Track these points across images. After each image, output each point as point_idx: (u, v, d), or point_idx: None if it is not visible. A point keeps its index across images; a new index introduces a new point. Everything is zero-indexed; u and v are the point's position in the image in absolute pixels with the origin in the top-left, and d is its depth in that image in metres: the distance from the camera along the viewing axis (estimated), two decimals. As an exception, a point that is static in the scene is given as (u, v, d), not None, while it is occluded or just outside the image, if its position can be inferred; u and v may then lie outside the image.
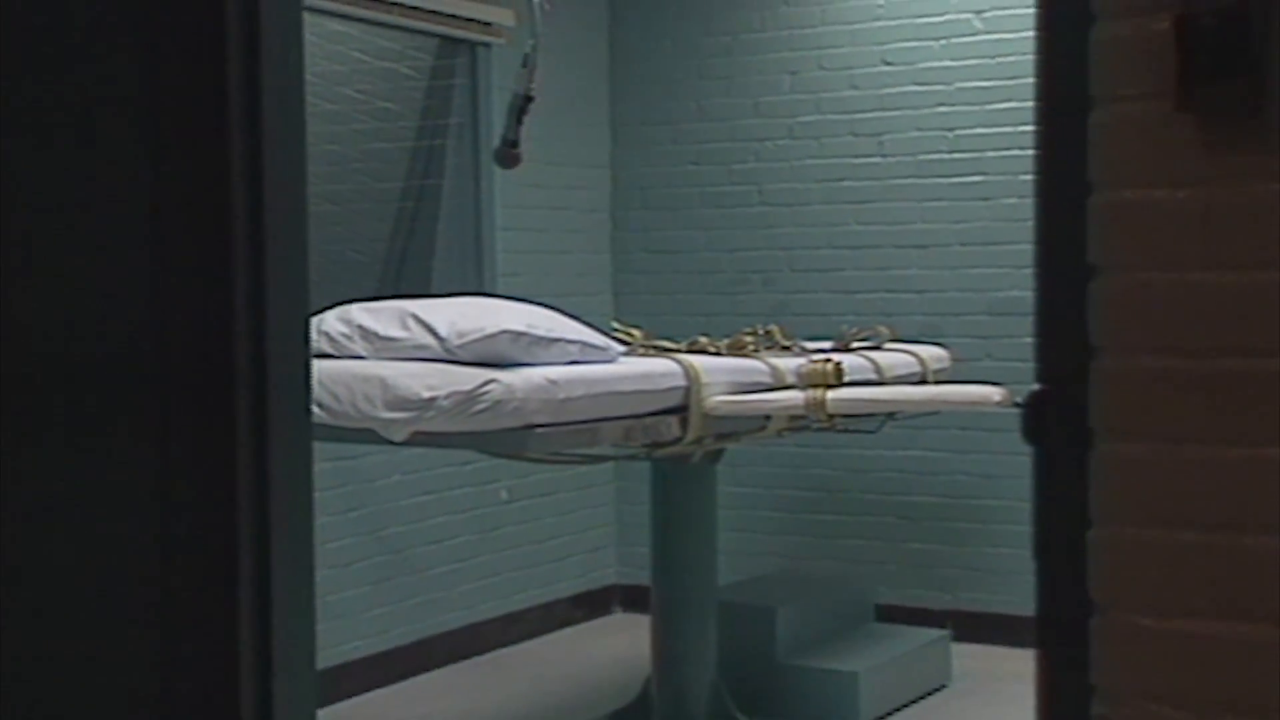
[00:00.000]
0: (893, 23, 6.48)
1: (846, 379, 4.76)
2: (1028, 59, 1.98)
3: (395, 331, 4.24)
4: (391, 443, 4.12)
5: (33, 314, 2.24)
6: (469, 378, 3.98)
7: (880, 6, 6.50)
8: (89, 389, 2.23)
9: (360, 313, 4.36)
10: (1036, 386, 1.91)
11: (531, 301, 4.61)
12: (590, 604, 6.92)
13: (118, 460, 2.22)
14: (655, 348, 4.87)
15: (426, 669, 6.00)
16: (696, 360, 4.58)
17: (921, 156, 6.45)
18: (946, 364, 5.57)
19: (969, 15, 6.33)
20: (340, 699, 5.46)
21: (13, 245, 2.24)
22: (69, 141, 2.22)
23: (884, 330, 5.59)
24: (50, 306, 2.24)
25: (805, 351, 5.07)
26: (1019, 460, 2.02)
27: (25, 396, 2.24)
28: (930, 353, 5.52)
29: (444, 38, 6.27)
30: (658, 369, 4.47)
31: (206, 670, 2.16)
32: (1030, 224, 1.94)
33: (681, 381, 4.45)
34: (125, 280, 2.20)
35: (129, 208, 2.20)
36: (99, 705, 2.25)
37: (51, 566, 2.25)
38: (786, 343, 5.21)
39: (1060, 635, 1.89)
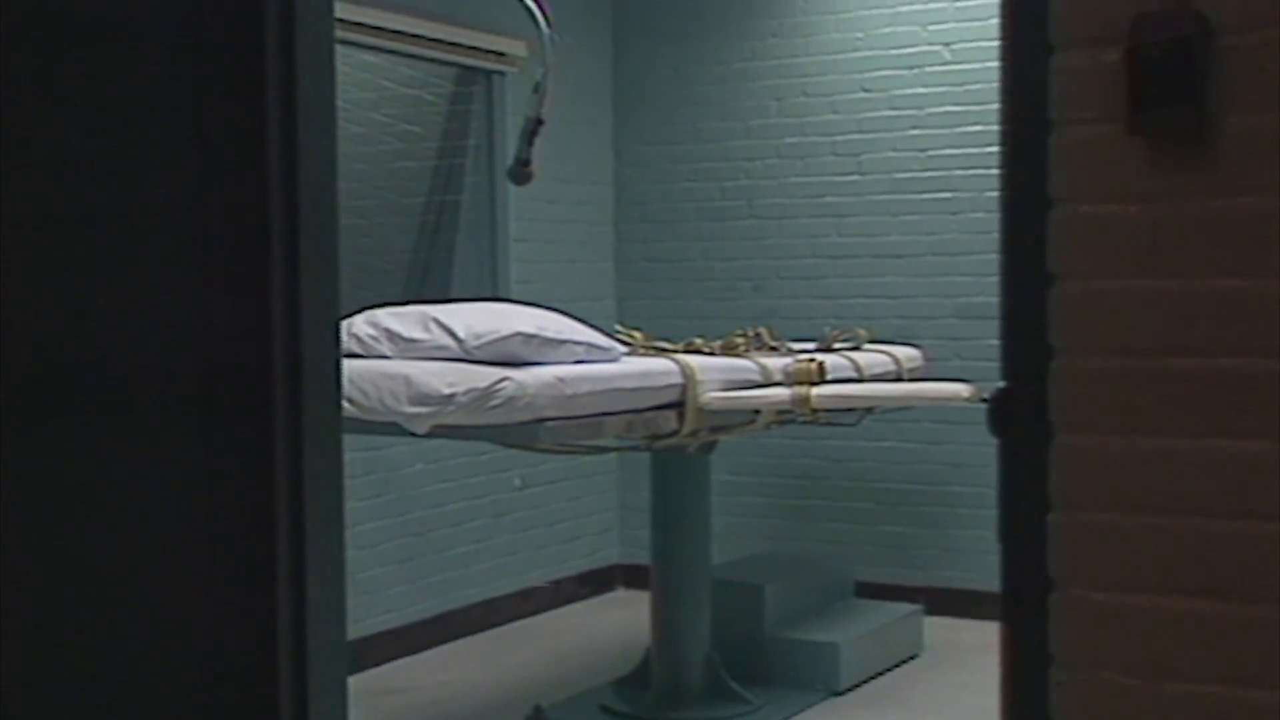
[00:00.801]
0: (870, 53, 6.48)
1: (829, 377, 4.76)
2: (993, 86, 1.98)
3: (418, 333, 4.24)
4: (414, 435, 4.13)
5: (94, 318, 2.25)
6: (485, 376, 3.99)
7: (859, 39, 6.50)
8: (143, 386, 2.23)
9: (386, 316, 4.37)
10: (1001, 383, 1.91)
11: (542, 306, 4.61)
12: (595, 581, 6.92)
13: (167, 450, 2.23)
14: (654, 348, 4.88)
15: (447, 640, 6.01)
16: (692, 360, 4.59)
17: (896, 174, 6.45)
18: (919, 363, 5.57)
19: (939, 47, 6.33)
20: (369, 667, 5.47)
21: (75, 257, 2.25)
22: (128, 165, 2.23)
23: (863, 332, 5.59)
24: (109, 312, 2.25)
25: (791, 352, 5.08)
26: (985, 450, 2.03)
27: (84, 392, 2.25)
28: (905, 353, 5.53)
29: (463, 67, 6.27)
30: (657, 368, 4.47)
31: (246, 640, 2.17)
32: (995, 236, 1.95)
33: (678, 379, 4.45)
34: (174, 288, 2.21)
35: (178, 222, 2.20)
36: (147, 665, 2.26)
37: (107, 548, 2.25)
38: (774, 344, 5.22)
39: (1022, 609, 1.89)
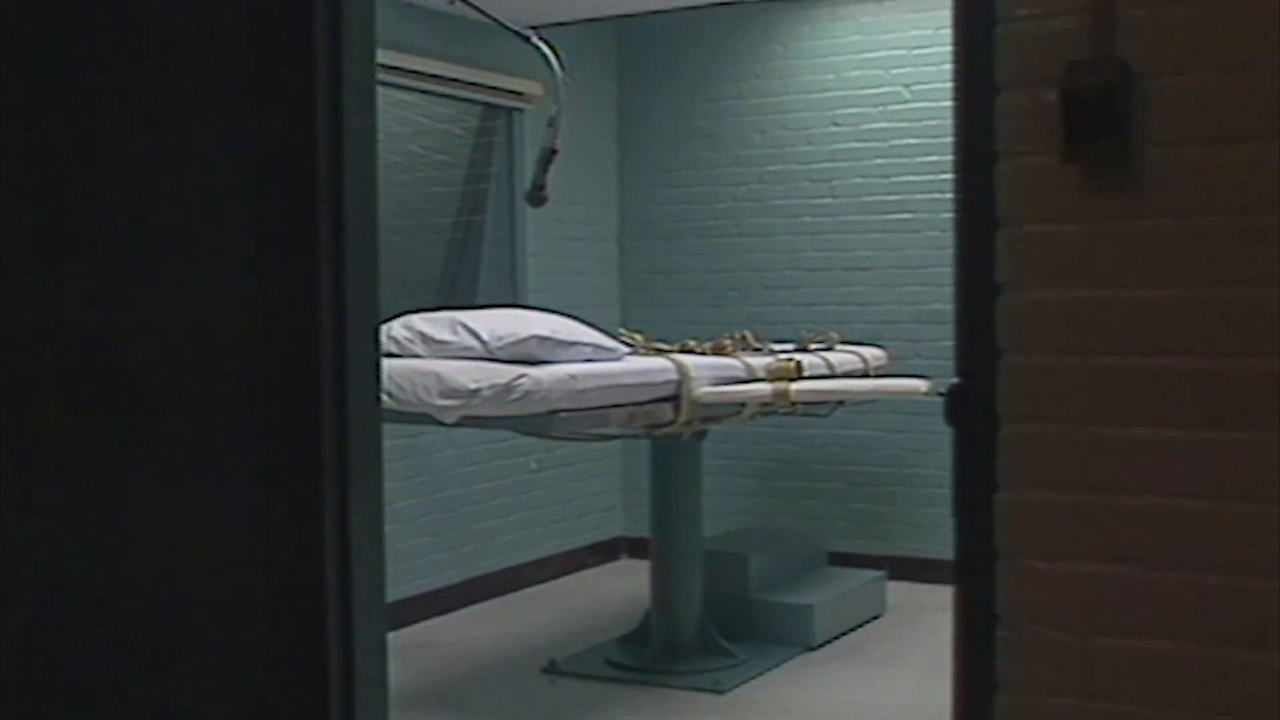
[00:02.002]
0: (840, 93, 6.48)
1: (805, 374, 4.77)
2: (947, 122, 1.98)
3: (447, 336, 4.24)
4: (444, 424, 4.13)
5: (164, 321, 2.26)
6: (505, 373, 3.99)
7: (830, 80, 6.50)
8: (207, 382, 2.24)
9: (420, 321, 4.37)
10: (955, 379, 1.92)
11: (555, 312, 4.61)
12: (602, 552, 6.92)
13: (227, 438, 2.23)
14: (653, 349, 4.88)
15: (473, 602, 6.01)
16: (686, 359, 4.59)
17: (864, 198, 6.45)
18: (884, 361, 5.57)
19: (900, 88, 6.33)
20: (405, 625, 5.47)
21: (152, 267, 2.26)
22: (193, 192, 2.24)
23: (835, 335, 5.60)
24: (177, 315, 2.25)
25: (773, 352, 5.08)
26: (941, 438, 2.03)
27: (154, 386, 2.25)
28: (871, 352, 5.53)
29: (487, 105, 6.28)
30: (655, 366, 4.47)
31: (299, 604, 2.17)
32: (950, 251, 1.95)
33: (674, 376, 4.45)
34: (236, 296, 2.21)
35: (241, 239, 2.21)
36: (209, 627, 2.26)
37: (171, 528, 2.26)
38: (758, 345, 5.21)
39: (973, 575, 1.90)
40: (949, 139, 1.99)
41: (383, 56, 2.28)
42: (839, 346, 5.45)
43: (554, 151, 4.60)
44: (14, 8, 2.20)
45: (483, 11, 4.77)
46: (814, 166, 6.57)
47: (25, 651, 2.27)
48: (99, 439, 2.27)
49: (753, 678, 4.81)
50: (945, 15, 1.98)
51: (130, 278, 2.26)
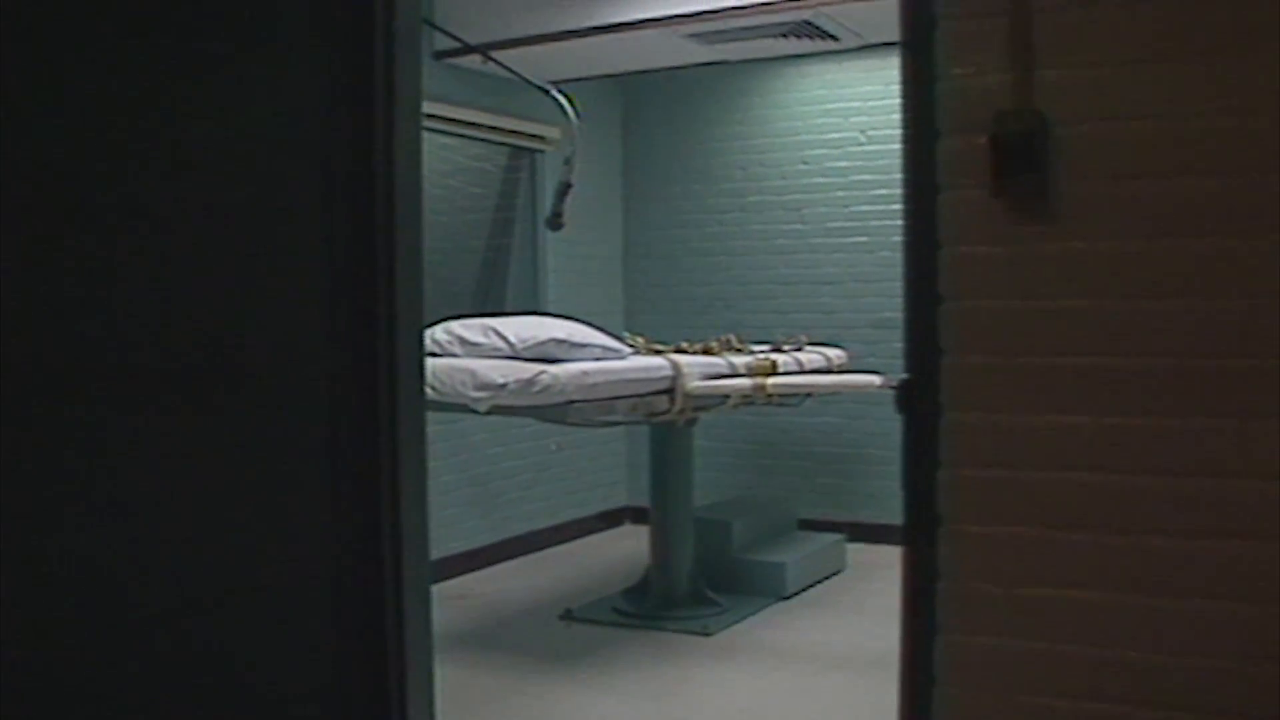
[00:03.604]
0: (808, 137, 6.48)
1: (780, 370, 4.77)
2: (896, 161, 1.99)
3: (480, 339, 4.25)
4: (478, 413, 4.14)
5: (253, 330, 2.27)
6: (529, 369, 3.99)
7: (799, 126, 6.50)
8: (285, 379, 2.25)
9: (457, 326, 4.37)
10: (905, 375, 1.93)
11: (570, 318, 4.62)
12: (609, 519, 6.92)
13: (301, 424, 2.24)
14: (652, 350, 4.88)
15: (501, 561, 6.01)
16: (680, 358, 4.59)
17: (827, 224, 6.45)
18: (845, 360, 5.57)
19: (857, 133, 6.34)
20: (445, 579, 5.47)
21: (245, 286, 2.27)
22: (280, 223, 2.25)
23: (804, 338, 5.59)
24: (262, 326, 2.26)
25: (752, 352, 5.08)
26: (893, 424, 2.03)
27: (245, 383, 2.26)
28: (834, 353, 5.53)
29: (513, 147, 6.28)
30: (654, 364, 4.48)
31: (359, 560, 2.18)
32: (900, 268, 1.96)
33: (670, 372, 4.45)
34: (310, 309, 2.23)
35: (314, 261, 2.22)
36: (287, 577, 2.27)
37: (256, 494, 2.27)
38: (740, 346, 5.21)
39: (918, 538, 1.91)
40: (898, 175, 2.00)
41: (427, 107, 2.29)
42: (807, 347, 5.45)
43: (569, 185, 4.61)
44: (116, 74, 2.21)
45: (511, 69, 4.78)
46: (786, 198, 6.57)
47: (128, 588, 2.28)
48: (206, 421, 2.28)
49: (735, 623, 4.82)
50: (894, 73, 1.99)
51: (225, 291, 2.27)
